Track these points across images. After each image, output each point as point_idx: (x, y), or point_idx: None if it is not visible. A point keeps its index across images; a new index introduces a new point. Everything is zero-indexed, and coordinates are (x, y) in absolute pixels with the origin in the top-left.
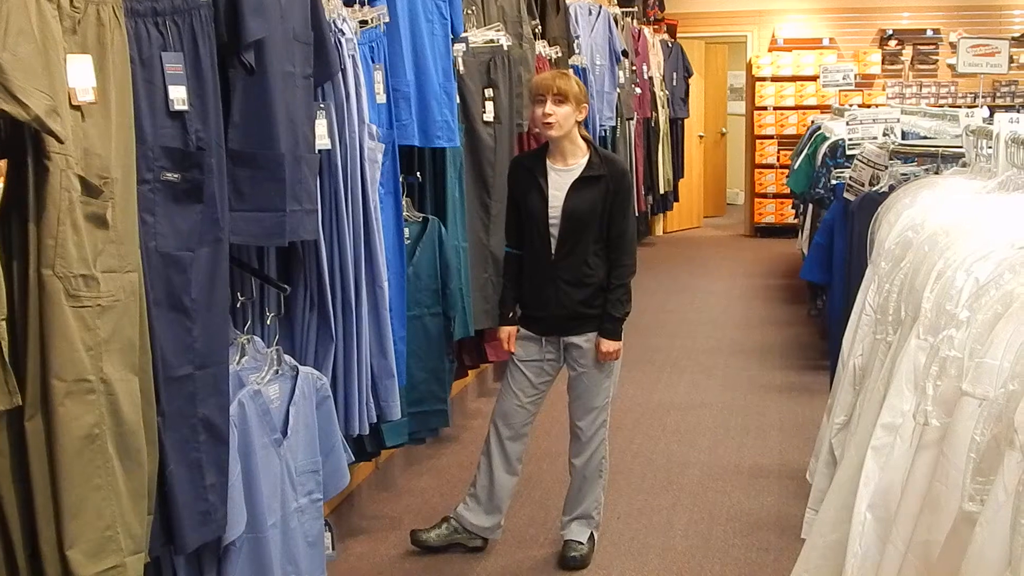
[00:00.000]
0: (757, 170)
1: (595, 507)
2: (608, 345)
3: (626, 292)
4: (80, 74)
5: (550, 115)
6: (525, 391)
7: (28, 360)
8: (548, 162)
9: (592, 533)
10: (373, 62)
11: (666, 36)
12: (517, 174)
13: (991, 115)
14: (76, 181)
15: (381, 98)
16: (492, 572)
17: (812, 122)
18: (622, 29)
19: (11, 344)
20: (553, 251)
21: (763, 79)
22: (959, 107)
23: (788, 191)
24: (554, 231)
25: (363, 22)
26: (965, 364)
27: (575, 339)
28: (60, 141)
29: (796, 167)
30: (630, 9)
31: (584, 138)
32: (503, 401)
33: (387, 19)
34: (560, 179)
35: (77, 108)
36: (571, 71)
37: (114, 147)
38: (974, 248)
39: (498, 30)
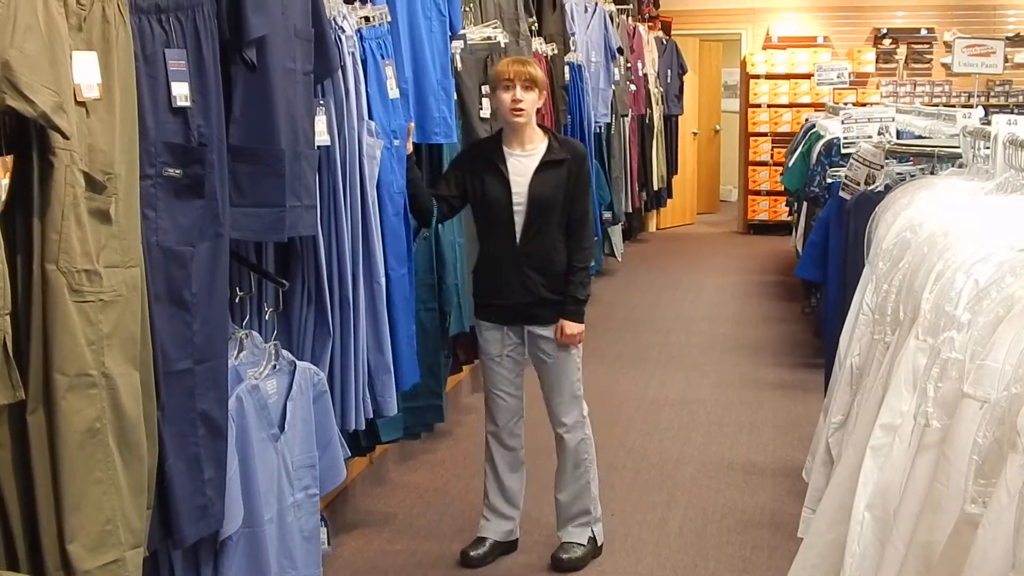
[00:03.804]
0: (751, 167)
1: (592, 503)
2: (572, 327)
3: (587, 274)
4: (85, 70)
5: (520, 101)
6: (502, 386)
7: (31, 354)
8: (505, 148)
9: (592, 533)
10: (383, 58)
11: (661, 33)
12: (470, 160)
13: (986, 115)
14: (80, 177)
15: (394, 93)
16: (487, 568)
17: (806, 120)
18: (617, 26)
19: (14, 338)
20: (518, 237)
21: (757, 76)
22: (953, 106)
23: (781, 188)
24: (518, 217)
25: (366, 18)
26: (966, 366)
27: (541, 331)
28: (66, 137)
29: (791, 165)
30: (625, 6)
31: (540, 125)
32: (488, 403)
33: (388, 18)
34: (521, 164)
35: (82, 104)
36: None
37: (118, 143)
38: (973, 250)
39: (495, 27)
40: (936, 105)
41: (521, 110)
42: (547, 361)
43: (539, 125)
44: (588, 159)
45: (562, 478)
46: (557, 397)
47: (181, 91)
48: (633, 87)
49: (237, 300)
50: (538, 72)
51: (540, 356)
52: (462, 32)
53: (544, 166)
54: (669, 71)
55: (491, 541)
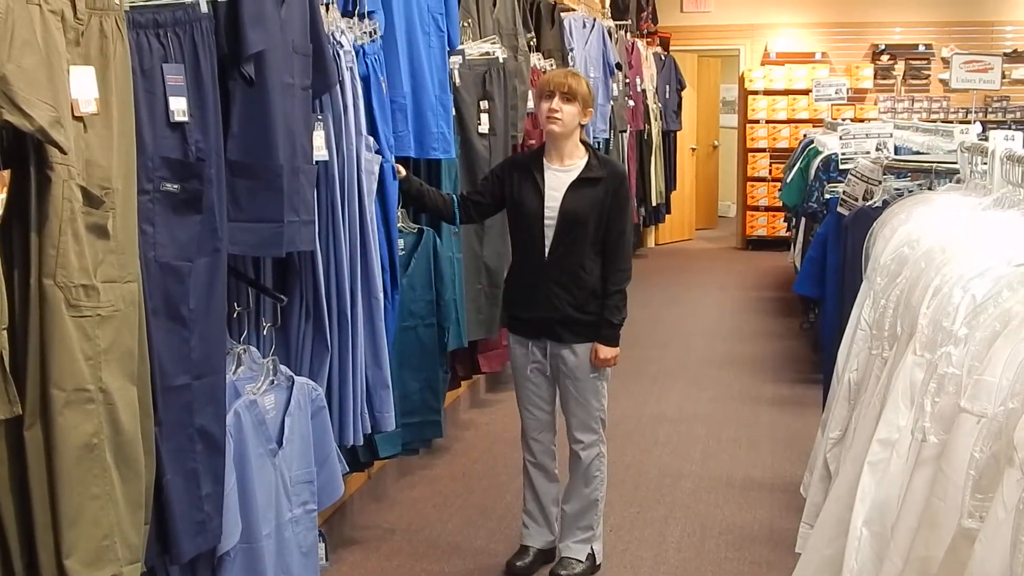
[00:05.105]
0: (749, 183)
1: (596, 521)
2: (606, 351)
3: (623, 298)
4: (83, 85)
5: (556, 111)
6: (528, 404)
7: (28, 369)
8: (545, 162)
9: (591, 550)
10: (381, 74)
11: (659, 49)
12: (511, 169)
13: (984, 130)
14: (78, 191)
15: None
16: None
17: (804, 135)
18: (616, 42)
19: (11, 353)
20: (547, 251)
21: (755, 92)
22: (951, 122)
23: (780, 204)
24: (549, 231)
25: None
26: (963, 381)
27: (563, 350)
28: (63, 152)
29: (789, 180)
30: (624, 22)
31: (583, 142)
32: (520, 416)
33: (371, 31)
34: (557, 179)
35: (80, 119)
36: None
37: (115, 157)
38: (971, 265)
39: (494, 43)
40: (934, 121)
41: (557, 118)
42: (569, 381)
43: (582, 142)
44: (627, 179)
45: (571, 491)
46: (575, 417)
47: (179, 106)
48: (631, 103)
49: (235, 315)
50: (581, 86)
51: (562, 374)
52: (460, 47)
53: (580, 182)
54: (667, 87)
55: (534, 550)
